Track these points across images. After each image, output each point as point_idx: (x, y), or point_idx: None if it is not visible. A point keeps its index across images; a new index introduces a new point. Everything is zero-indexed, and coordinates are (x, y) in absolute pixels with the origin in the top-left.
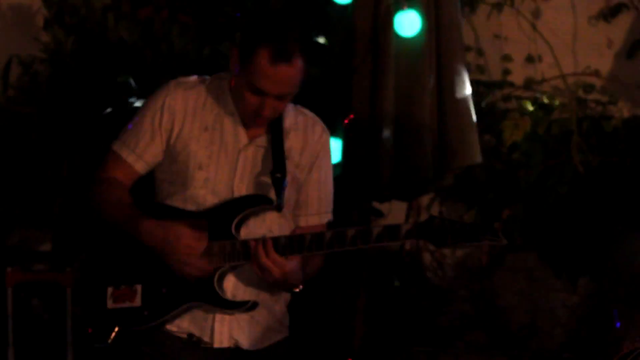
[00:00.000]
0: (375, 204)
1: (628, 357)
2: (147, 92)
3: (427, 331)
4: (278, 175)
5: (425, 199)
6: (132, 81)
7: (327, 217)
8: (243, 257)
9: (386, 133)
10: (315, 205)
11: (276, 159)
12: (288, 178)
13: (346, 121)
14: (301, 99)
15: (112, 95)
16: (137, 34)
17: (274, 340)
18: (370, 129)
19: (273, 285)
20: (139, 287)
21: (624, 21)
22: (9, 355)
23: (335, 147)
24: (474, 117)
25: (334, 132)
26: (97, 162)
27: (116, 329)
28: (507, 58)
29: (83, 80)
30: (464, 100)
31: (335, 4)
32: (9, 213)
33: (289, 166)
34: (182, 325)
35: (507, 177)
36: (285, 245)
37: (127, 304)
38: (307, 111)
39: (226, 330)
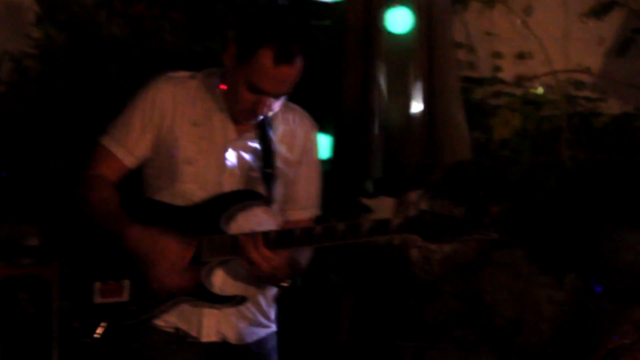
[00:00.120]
0: (364, 200)
1: (614, 352)
2: (138, 88)
3: (413, 326)
4: (267, 170)
5: (413, 195)
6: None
7: (315, 211)
8: (232, 251)
9: (376, 129)
10: (303, 199)
11: (265, 154)
12: (277, 172)
13: None
14: (291, 95)
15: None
16: (129, 31)
17: (261, 334)
18: (359, 125)
19: (261, 280)
20: (126, 282)
21: (615, 18)
22: None
23: (325, 144)
24: (464, 114)
25: (323, 128)
26: (85, 157)
27: (103, 324)
28: (497, 55)
29: (74, 76)
30: (454, 97)
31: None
32: None
33: (278, 160)
34: (170, 319)
35: (496, 173)
36: (275, 239)
37: (114, 299)
38: (295, 106)
39: (214, 324)
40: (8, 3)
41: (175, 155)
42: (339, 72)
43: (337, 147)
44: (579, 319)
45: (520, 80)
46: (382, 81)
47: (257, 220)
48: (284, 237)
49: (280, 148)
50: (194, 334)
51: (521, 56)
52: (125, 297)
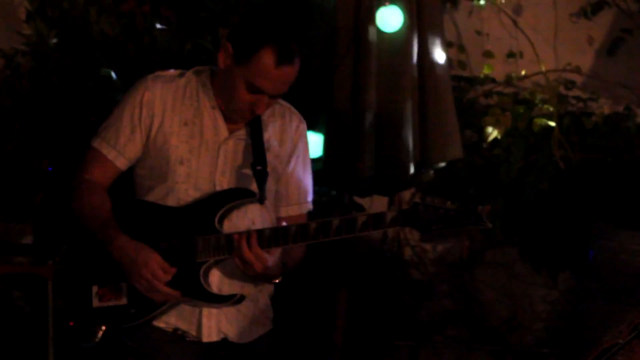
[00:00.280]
0: (356, 199)
1: (608, 352)
2: (130, 86)
3: (407, 326)
4: (259, 167)
5: (406, 194)
6: (114, 75)
7: (307, 206)
8: (227, 251)
9: (367, 128)
10: (295, 195)
11: (256, 152)
12: (268, 169)
13: None
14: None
15: (94, 88)
16: (119, 28)
17: (259, 332)
18: (351, 124)
19: (254, 278)
20: (124, 285)
21: (605, 18)
22: None
23: (317, 142)
24: (455, 113)
25: (315, 127)
26: (78, 155)
27: (103, 328)
28: (488, 54)
29: (65, 73)
30: (445, 96)
31: None
32: None
33: (269, 157)
34: (170, 320)
35: (488, 173)
36: (270, 237)
37: (112, 302)
38: (282, 101)
39: (214, 324)
40: None
41: (166, 156)
42: (330, 70)
43: (328, 146)
44: (573, 318)
45: (510, 80)
46: (373, 80)
47: (250, 217)
48: (279, 234)
49: (271, 144)
50: (194, 333)
51: (511, 55)
52: (123, 300)
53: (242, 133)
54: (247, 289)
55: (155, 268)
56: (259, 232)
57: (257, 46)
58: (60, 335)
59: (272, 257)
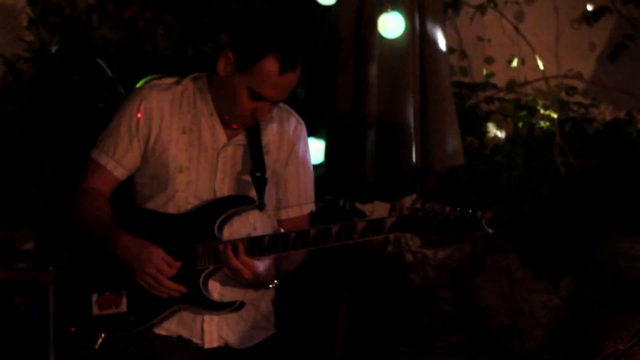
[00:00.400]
0: (358, 205)
1: (609, 358)
2: (131, 91)
3: (408, 331)
4: (258, 174)
5: (408, 200)
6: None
7: (309, 207)
8: (219, 259)
9: (369, 134)
10: (295, 196)
11: (255, 157)
12: (268, 173)
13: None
14: (285, 99)
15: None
16: (121, 34)
17: (261, 337)
18: (353, 130)
19: (245, 284)
20: (124, 293)
21: (607, 24)
22: None
23: (319, 148)
24: (457, 119)
25: (317, 133)
26: (80, 162)
27: (103, 336)
28: (490, 60)
29: (67, 79)
30: (447, 102)
31: (319, 5)
32: None
33: (268, 161)
34: (171, 327)
35: (490, 179)
36: (269, 244)
37: (112, 310)
38: (280, 104)
39: (215, 330)
40: (0, 6)
41: (165, 164)
42: (332, 76)
43: (330, 152)
44: (574, 324)
45: (512, 86)
46: (375, 86)
47: (251, 224)
48: (279, 241)
49: (270, 148)
50: (196, 340)
51: (513, 62)
52: (123, 307)
53: (240, 139)
54: (249, 294)
55: (159, 262)
56: (259, 238)
57: (261, 53)
58: (61, 340)
59: (262, 264)
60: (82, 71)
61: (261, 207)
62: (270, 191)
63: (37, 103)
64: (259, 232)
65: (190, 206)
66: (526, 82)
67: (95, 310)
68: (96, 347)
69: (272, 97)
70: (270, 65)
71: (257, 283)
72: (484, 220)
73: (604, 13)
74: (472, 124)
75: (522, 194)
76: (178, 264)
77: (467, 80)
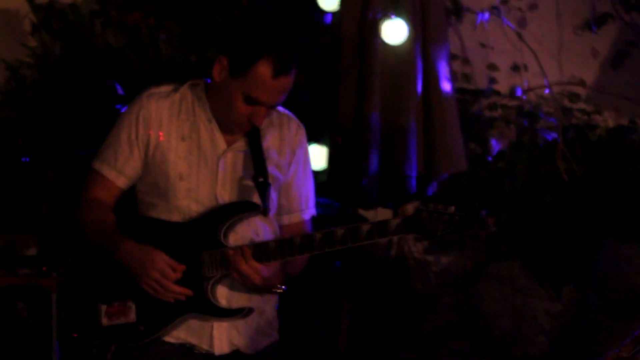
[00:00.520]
0: (361, 211)
1: None
2: (134, 97)
3: (411, 338)
4: (261, 179)
5: (410, 207)
6: (118, 87)
7: (310, 212)
8: (227, 265)
9: (372, 140)
10: (297, 201)
11: (257, 163)
12: (269, 180)
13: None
14: (287, 106)
15: (99, 100)
16: (124, 40)
17: (267, 342)
18: (356, 136)
19: (254, 290)
20: (131, 303)
21: (609, 31)
22: None
23: (321, 154)
24: (460, 125)
25: (320, 139)
26: (82, 167)
27: (112, 349)
28: (492, 67)
29: (70, 85)
30: (449, 109)
31: (322, 11)
32: None
33: (269, 167)
34: (180, 336)
35: (492, 185)
36: (276, 249)
37: (121, 320)
38: (279, 107)
39: (225, 337)
40: (4, 12)
41: (166, 172)
42: (335, 83)
43: (333, 158)
44: (577, 331)
45: (515, 92)
46: (377, 92)
47: (254, 229)
48: (285, 246)
49: (270, 153)
50: (206, 347)
51: (516, 68)
52: (131, 317)
53: (240, 145)
54: (255, 300)
55: (163, 266)
56: (264, 244)
57: (253, 58)
58: (64, 346)
59: (268, 269)
60: (85, 77)
61: (265, 212)
62: (271, 196)
63: (39, 109)
64: (261, 238)
65: (193, 213)
66: (529, 89)
67: (105, 320)
68: (108, 358)
69: (267, 102)
70: (263, 69)
71: (265, 288)
72: (487, 219)
73: (607, 20)
74: (475, 131)
75: (525, 201)
76: (182, 267)
77: (470, 86)
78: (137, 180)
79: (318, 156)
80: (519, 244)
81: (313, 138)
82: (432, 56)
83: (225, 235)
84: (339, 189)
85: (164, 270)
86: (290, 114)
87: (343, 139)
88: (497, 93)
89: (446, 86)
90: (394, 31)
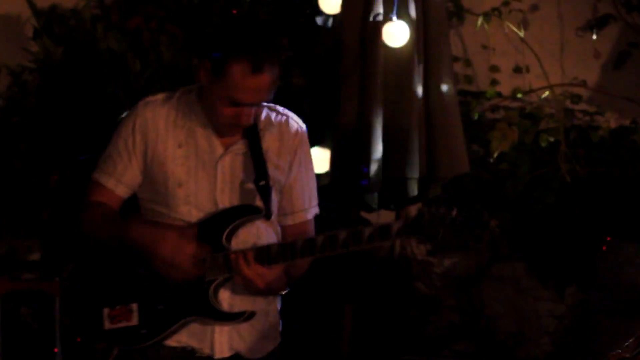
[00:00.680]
0: (364, 214)
1: None
2: (136, 102)
3: (414, 340)
4: (262, 182)
5: (413, 209)
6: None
7: (314, 210)
8: (229, 269)
9: (374, 143)
10: (300, 202)
11: (257, 166)
12: (270, 182)
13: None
14: (289, 108)
15: (101, 105)
16: (126, 44)
17: (270, 347)
18: (358, 139)
19: (257, 294)
20: (134, 306)
21: (611, 32)
22: None
23: (324, 157)
24: (462, 127)
25: (322, 142)
26: (85, 171)
27: (115, 353)
28: (494, 68)
29: (72, 90)
30: (451, 110)
31: (324, 13)
32: None
33: (270, 168)
34: (181, 339)
35: (495, 187)
36: (278, 253)
37: (124, 324)
38: (279, 107)
39: (226, 340)
40: (5, 17)
41: (164, 179)
42: (337, 85)
43: (335, 161)
44: (580, 332)
45: (517, 94)
46: (380, 95)
47: (256, 233)
48: (287, 250)
49: (269, 155)
50: (207, 351)
51: (518, 70)
52: (134, 321)
53: (239, 147)
54: (258, 303)
55: (174, 238)
56: (266, 248)
57: (226, 60)
58: (68, 351)
59: (271, 272)
60: (87, 81)
61: (268, 216)
62: (273, 199)
63: (41, 113)
64: (263, 241)
65: (194, 219)
66: (531, 90)
67: (107, 324)
68: None
69: (248, 101)
70: (237, 70)
71: (268, 291)
72: (490, 222)
73: (609, 21)
74: (477, 133)
75: (528, 202)
76: (192, 242)
77: (472, 88)
78: (138, 189)
79: (320, 159)
80: (522, 246)
81: (315, 141)
82: (434, 58)
83: (229, 240)
84: (341, 192)
85: (174, 244)
86: (291, 114)
87: (345, 140)
88: (499, 95)
89: (448, 88)
90: (396, 33)
